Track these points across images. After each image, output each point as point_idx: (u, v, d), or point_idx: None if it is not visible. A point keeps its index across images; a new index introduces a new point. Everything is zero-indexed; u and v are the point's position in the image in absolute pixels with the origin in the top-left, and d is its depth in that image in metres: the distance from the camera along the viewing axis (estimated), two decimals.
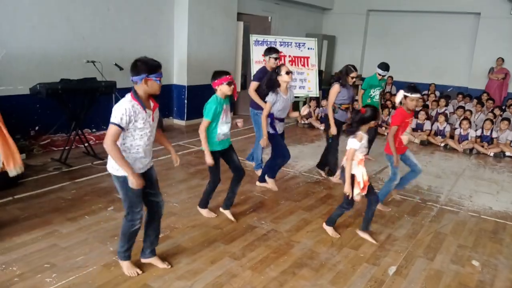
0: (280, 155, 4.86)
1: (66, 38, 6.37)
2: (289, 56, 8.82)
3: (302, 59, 8.96)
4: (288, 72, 4.54)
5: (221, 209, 4.28)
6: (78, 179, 5.02)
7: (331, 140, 5.35)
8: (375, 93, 6.09)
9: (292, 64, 8.75)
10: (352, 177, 3.69)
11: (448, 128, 8.19)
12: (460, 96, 10.22)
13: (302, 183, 5.46)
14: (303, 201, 4.82)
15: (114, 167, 2.84)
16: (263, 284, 3.14)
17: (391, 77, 11.52)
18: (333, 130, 5.19)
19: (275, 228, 4.07)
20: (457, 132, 8.04)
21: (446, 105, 9.38)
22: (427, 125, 8.34)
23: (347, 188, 3.69)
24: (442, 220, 4.56)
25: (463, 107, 8.91)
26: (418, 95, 4.29)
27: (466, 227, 4.42)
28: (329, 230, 4.05)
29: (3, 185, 4.48)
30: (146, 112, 2.79)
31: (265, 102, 4.67)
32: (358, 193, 3.70)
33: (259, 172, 5.39)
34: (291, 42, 8.93)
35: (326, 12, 13.44)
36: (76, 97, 5.71)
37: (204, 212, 4.22)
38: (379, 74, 6.05)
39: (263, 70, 5.22)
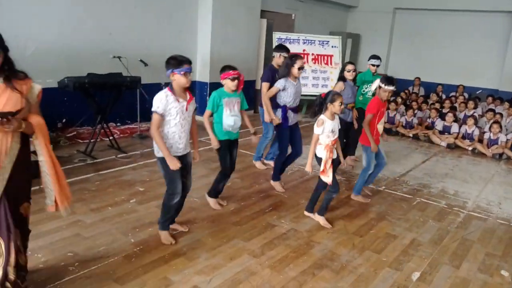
0: (283, 150, 4.80)
1: (93, 33, 6.47)
2: (312, 54, 8.73)
3: (326, 57, 8.84)
4: (300, 68, 4.53)
5: (206, 195, 4.34)
6: (102, 171, 5.09)
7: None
8: (368, 89, 5.79)
9: (315, 62, 8.65)
10: (319, 160, 3.90)
11: (477, 132, 7.94)
12: (490, 98, 9.90)
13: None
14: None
15: (156, 150, 3.31)
16: (282, 283, 3.10)
17: (419, 78, 11.26)
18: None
19: (295, 228, 4.03)
20: (486, 136, 7.78)
21: (475, 107, 9.08)
22: (455, 127, 8.10)
23: (308, 167, 3.89)
24: (469, 226, 4.42)
25: (493, 110, 8.62)
26: (391, 88, 4.38)
27: (494, 235, 4.27)
28: (322, 220, 4.11)
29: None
30: (179, 102, 3.19)
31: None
32: (329, 175, 3.87)
33: (257, 164, 5.54)
34: (315, 40, 8.83)
35: (351, 10, 13.25)
36: (102, 91, 5.79)
37: (212, 202, 4.27)
38: (373, 65, 5.92)
39: (271, 69, 5.16)
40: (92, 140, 5.66)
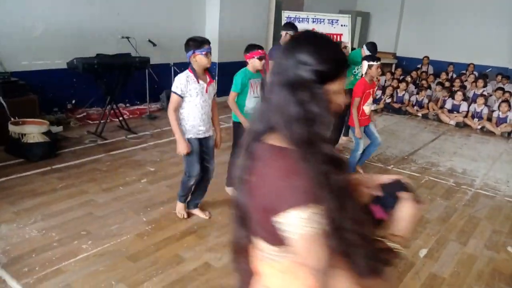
0: None
1: (102, 14, 6.45)
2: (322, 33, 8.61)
3: (335, 36, 8.71)
4: None
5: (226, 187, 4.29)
6: (113, 151, 5.16)
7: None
8: (359, 70, 5.56)
9: None
10: None
11: (486, 110, 7.88)
12: (500, 76, 9.77)
13: None
14: None
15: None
16: None
17: (427, 57, 11.10)
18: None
19: None
20: (495, 114, 7.72)
21: (484, 86, 8.98)
22: (464, 106, 8.05)
23: None
24: (476, 204, 4.45)
25: (502, 88, 8.53)
26: (378, 63, 4.44)
27: (502, 212, 4.30)
28: None
29: (42, 155, 4.66)
30: (199, 83, 3.22)
31: None
32: None
33: None
34: (324, 19, 8.69)
35: None
36: (111, 72, 5.79)
37: (229, 190, 4.22)
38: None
39: (278, 48, 5.05)
40: (102, 121, 5.71)
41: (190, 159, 3.38)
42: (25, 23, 5.62)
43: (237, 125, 3.96)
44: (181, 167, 4.75)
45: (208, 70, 3.32)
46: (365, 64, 4.46)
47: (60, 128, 5.68)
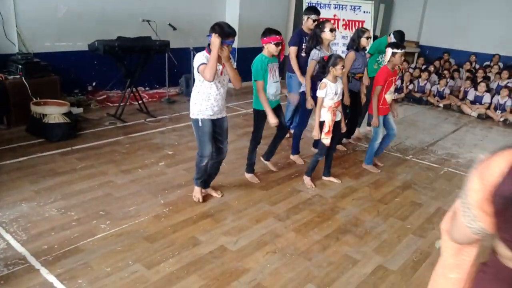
0: (302, 123, 4.69)
1: None
2: (343, 19, 8.47)
3: (357, 23, 8.57)
4: (332, 30, 4.34)
5: (261, 159, 4.41)
6: (132, 134, 5.22)
7: (348, 111, 4.95)
8: (383, 59, 5.33)
9: (345, 28, 8.42)
10: (322, 123, 3.94)
11: (509, 103, 7.66)
12: None
13: (350, 151, 5.38)
14: (350, 169, 4.76)
15: (191, 111, 3.41)
16: (306, 246, 3.18)
17: (448, 53, 10.85)
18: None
19: (320, 194, 4.07)
20: None
21: (509, 77, 8.73)
22: (487, 97, 7.85)
23: (315, 133, 3.97)
24: None
25: None
26: (402, 51, 4.34)
27: None
28: (307, 180, 4.19)
29: (62, 136, 4.75)
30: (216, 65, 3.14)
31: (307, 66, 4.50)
32: (323, 137, 3.95)
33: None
34: (346, 5, 8.54)
35: None
36: (132, 55, 5.83)
37: (249, 176, 4.22)
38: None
39: (299, 33, 4.94)
40: (121, 104, 5.77)
41: (202, 139, 3.44)
42: (49, 5, 5.68)
43: (258, 113, 3.96)
44: None
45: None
46: (389, 51, 4.34)
47: (80, 110, 5.77)
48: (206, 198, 3.74)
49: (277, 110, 4.02)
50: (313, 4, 8.32)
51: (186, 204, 3.62)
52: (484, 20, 11.42)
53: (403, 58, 4.48)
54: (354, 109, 5.13)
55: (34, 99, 5.00)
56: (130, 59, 5.85)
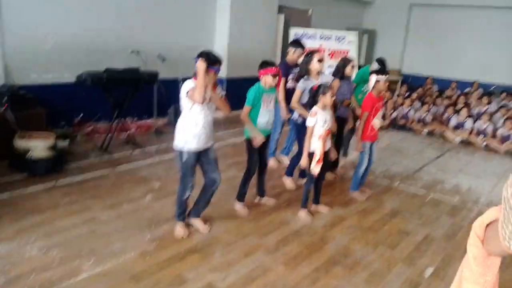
0: (301, 152, 4.67)
1: (113, 28, 6.53)
2: (329, 49, 8.69)
3: (342, 52, 8.80)
4: (320, 60, 4.44)
5: (256, 200, 4.39)
6: (118, 166, 5.16)
7: (334, 138, 4.94)
8: (367, 88, 5.26)
9: (332, 58, 8.62)
10: (312, 154, 3.96)
11: (490, 128, 7.85)
12: (504, 94, 9.77)
13: (338, 179, 5.40)
14: (338, 197, 4.77)
15: (176, 142, 3.45)
16: (295, 280, 3.14)
17: (431, 78, 11.18)
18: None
19: (309, 224, 4.05)
20: (500, 132, 7.70)
21: (489, 103, 8.98)
22: (469, 123, 8.03)
23: (304, 163, 3.99)
24: None
25: (507, 106, 8.51)
26: (386, 76, 4.44)
27: None
28: (303, 213, 4.16)
29: (47, 170, 4.67)
30: None
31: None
32: (314, 166, 3.95)
33: (270, 161, 5.25)
34: (332, 36, 8.79)
35: (367, 6, 13.14)
36: (120, 86, 5.81)
37: (238, 207, 4.18)
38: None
39: (284, 65, 5.08)
40: (108, 135, 5.74)
41: (185, 172, 3.46)
42: (36, 36, 5.70)
43: (250, 143, 3.98)
44: None
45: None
46: (373, 78, 4.43)
47: (66, 142, 5.69)
48: (194, 232, 3.68)
49: (266, 142, 4.07)
50: (300, 35, 8.53)
51: (173, 239, 3.56)
52: (463, 48, 11.86)
53: (387, 84, 4.55)
54: (340, 135, 5.23)
55: (18, 132, 4.93)
56: (118, 90, 5.85)
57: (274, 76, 3.86)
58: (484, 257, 1.22)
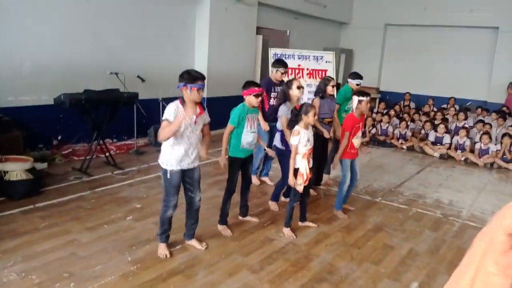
0: (286, 177, 4.59)
1: (90, 50, 6.52)
2: (307, 69, 8.81)
3: (320, 72, 8.93)
4: (299, 87, 4.54)
5: (240, 217, 4.37)
6: (98, 188, 5.07)
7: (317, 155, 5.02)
8: (350, 105, 5.39)
9: (310, 77, 8.75)
10: (297, 170, 3.97)
11: (468, 142, 8.05)
12: (479, 109, 10.06)
13: (321, 195, 5.41)
14: (322, 214, 4.77)
15: (160, 160, 3.42)
16: None
17: (409, 93, 11.44)
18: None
19: (293, 241, 4.03)
20: (477, 146, 7.89)
21: (465, 118, 9.23)
22: (447, 138, 8.21)
23: (291, 180, 3.98)
24: (464, 235, 4.45)
25: (483, 121, 8.77)
26: (368, 98, 4.53)
27: None
28: (287, 231, 4.14)
29: (25, 193, 4.56)
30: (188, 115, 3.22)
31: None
32: (300, 183, 3.96)
33: (253, 178, 5.25)
34: (309, 56, 8.92)
35: (343, 27, 13.47)
36: (99, 107, 5.76)
37: (221, 228, 4.12)
38: (357, 85, 5.59)
39: (268, 82, 5.22)
40: (88, 157, 5.64)
41: (168, 191, 3.43)
42: (13, 60, 5.63)
43: (233, 160, 3.98)
44: None
45: (200, 102, 3.36)
46: (355, 99, 4.51)
47: (44, 165, 5.58)
48: (176, 252, 3.62)
49: (248, 161, 4.09)
50: (278, 55, 8.65)
51: (155, 260, 3.49)
52: (437, 66, 12.25)
53: (369, 105, 4.63)
54: (323, 153, 5.27)
55: None
56: (97, 112, 5.78)
57: (258, 96, 3.89)
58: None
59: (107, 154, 5.98)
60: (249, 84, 3.97)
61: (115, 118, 5.93)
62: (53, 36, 6.03)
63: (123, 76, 6.52)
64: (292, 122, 4.06)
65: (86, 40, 6.44)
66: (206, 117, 3.49)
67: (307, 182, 4.01)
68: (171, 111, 3.22)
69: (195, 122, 3.34)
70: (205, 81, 3.36)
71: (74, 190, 4.95)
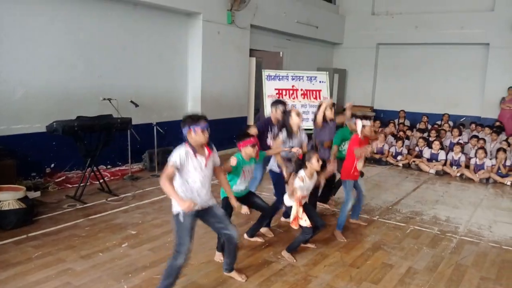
0: (279, 201, 4.59)
1: (83, 76, 6.55)
2: (301, 89, 8.90)
3: (314, 92, 9.02)
4: (297, 114, 4.61)
5: (245, 236, 4.45)
6: (93, 215, 5.01)
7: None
8: (345, 146, 5.39)
9: (304, 97, 8.82)
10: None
11: (463, 158, 8.07)
12: (473, 125, 10.14)
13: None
14: (319, 235, 4.70)
15: (173, 205, 3.12)
16: None
17: (403, 111, 11.53)
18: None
19: (291, 263, 3.98)
20: (472, 161, 7.91)
21: (460, 134, 9.28)
22: (442, 155, 8.23)
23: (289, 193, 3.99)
24: (462, 251, 4.41)
25: (477, 136, 8.81)
26: (371, 122, 4.69)
27: (487, 258, 4.27)
28: (287, 254, 4.11)
29: (17, 223, 4.49)
30: (197, 158, 3.09)
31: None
32: (305, 219, 3.92)
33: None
34: (303, 76, 9.01)
35: (336, 47, 13.66)
36: (92, 133, 5.75)
37: (218, 255, 4.02)
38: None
39: (266, 122, 5.20)
40: (81, 184, 5.60)
41: (181, 234, 3.12)
42: (5, 88, 5.64)
43: (226, 201, 3.84)
44: (164, 228, 4.66)
45: (207, 143, 3.19)
46: (359, 123, 4.57)
47: (37, 193, 5.53)
48: None
49: (251, 195, 4.14)
50: (272, 76, 8.72)
51: (151, 287, 3.42)
52: (429, 83, 12.40)
53: (372, 130, 4.72)
54: (331, 177, 5.32)
55: None
56: (90, 138, 5.76)
57: (253, 146, 3.88)
58: None
59: (101, 180, 5.93)
60: (243, 135, 3.95)
61: (109, 144, 5.91)
62: (45, 63, 6.07)
63: (116, 101, 6.52)
64: (297, 167, 4.12)
65: (79, 66, 6.48)
66: (215, 159, 3.30)
67: (295, 221, 3.95)
68: (179, 156, 3.03)
69: (206, 165, 3.15)
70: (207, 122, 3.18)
71: (68, 218, 4.89)
